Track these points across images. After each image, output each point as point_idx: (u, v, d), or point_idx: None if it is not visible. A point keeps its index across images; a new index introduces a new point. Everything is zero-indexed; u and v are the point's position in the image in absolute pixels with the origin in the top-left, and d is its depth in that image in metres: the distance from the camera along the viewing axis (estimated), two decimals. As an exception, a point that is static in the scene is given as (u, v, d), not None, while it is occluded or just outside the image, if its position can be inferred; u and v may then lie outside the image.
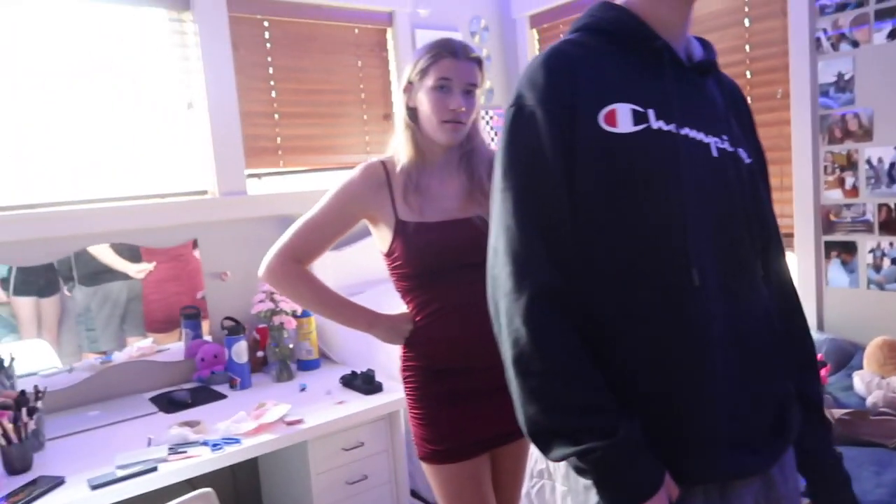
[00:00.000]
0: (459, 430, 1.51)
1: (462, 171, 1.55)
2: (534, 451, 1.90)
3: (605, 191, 0.90)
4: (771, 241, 1.05)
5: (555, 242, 0.91)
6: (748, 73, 2.56)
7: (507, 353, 0.92)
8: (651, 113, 0.91)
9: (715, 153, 0.95)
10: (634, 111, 0.91)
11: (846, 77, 2.31)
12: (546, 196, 0.91)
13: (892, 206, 2.25)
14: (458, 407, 1.51)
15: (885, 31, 2.20)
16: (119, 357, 2.37)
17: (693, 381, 0.89)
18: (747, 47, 2.55)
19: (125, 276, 2.37)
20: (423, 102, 1.49)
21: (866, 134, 2.29)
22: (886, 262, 2.28)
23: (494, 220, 0.96)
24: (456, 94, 1.47)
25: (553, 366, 0.88)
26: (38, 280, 2.21)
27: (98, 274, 2.32)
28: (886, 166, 2.25)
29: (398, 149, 1.55)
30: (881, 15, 2.21)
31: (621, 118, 0.90)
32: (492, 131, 3.40)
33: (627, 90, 0.92)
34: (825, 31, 2.34)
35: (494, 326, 0.95)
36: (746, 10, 2.54)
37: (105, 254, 2.33)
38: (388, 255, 1.53)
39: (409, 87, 1.53)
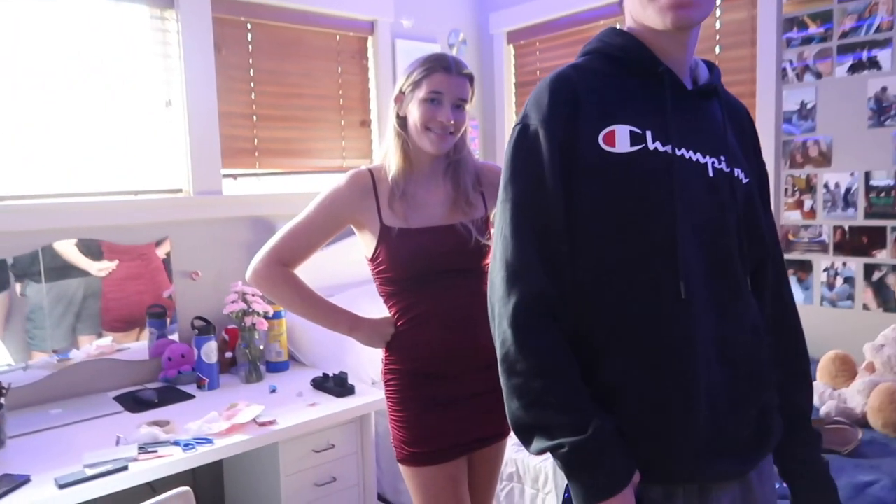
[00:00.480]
0: (439, 433, 1.54)
1: (448, 181, 1.59)
2: (505, 454, 1.93)
3: (600, 207, 0.96)
4: (768, 258, 1.09)
5: (548, 253, 0.96)
6: (716, 97, 2.66)
7: (497, 352, 0.98)
8: (649, 134, 0.97)
9: (711, 173, 1.00)
10: (632, 132, 0.96)
11: (809, 106, 2.43)
12: (542, 209, 0.96)
13: (847, 228, 2.37)
14: (438, 411, 1.54)
15: (847, 64, 2.33)
16: (77, 355, 2.31)
17: (679, 389, 0.94)
18: (716, 73, 2.65)
19: (85, 274, 2.32)
20: (413, 112, 1.54)
21: (825, 160, 2.41)
22: (839, 281, 2.40)
23: (495, 229, 1.02)
24: (446, 108, 1.52)
25: (534, 366, 0.94)
26: None
27: (56, 270, 2.26)
28: (843, 191, 2.37)
29: (388, 155, 1.59)
30: (843, 50, 2.33)
31: (619, 139, 0.95)
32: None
33: (627, 113, 0.98)
34: (791, 62, 2.46)
35: (491, 328, 1.00)
36: (718, 38, 2.65)
37: (69, 251, 2.28)
38: (373, 259, 1.57)
39: (401, 98, 1.57)
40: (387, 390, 1.60)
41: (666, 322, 0.94)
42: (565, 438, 0.90)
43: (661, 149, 0.96)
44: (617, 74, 1.01)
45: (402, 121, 1.58)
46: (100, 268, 2.35)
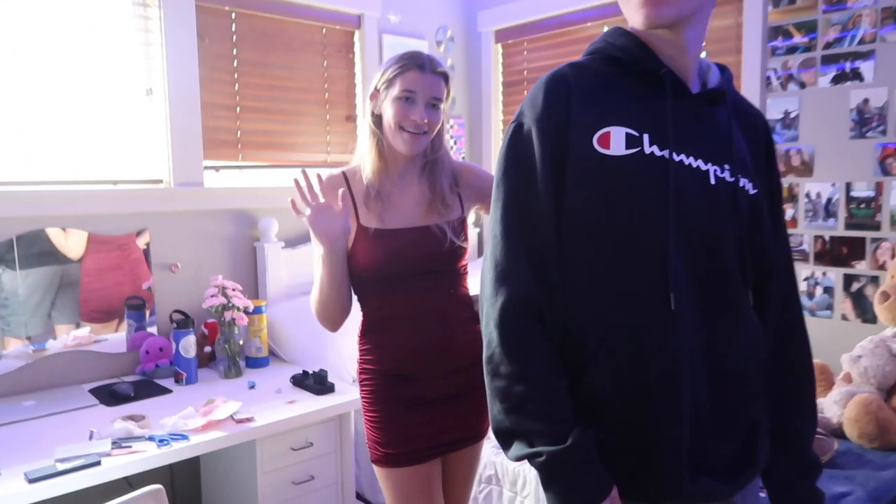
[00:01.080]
0: (412, 434, 1.54)
1: (424, 181, 1.58)
2: (484, 456, 1.93)
3: (591, 210, 0.93)
4: (774, 272, 1.04)
5: (537, 255, 0.95)
6: (702, 103, 2.68)
7: (483, 352, 0.97)
8: (646, 137, 0.93)
9: (712, 181, 0.95)
10: (628, 135, 0.93)
11: (792, 115, 2.45)
12: (531, 210, 0.95)
13: (827, 238, 2.40)
14: (410, 413, 1.54)
15: (830, 75, 2.35)
16: (54, 346, 2.27)
17: (663, 404, 0.91)
18: (702, 79, 2.67)
19: (64, 262, 2.28)
20: (387, 111, 1.53)
21: (807, 169, 2.43)
22: (819, 290, 2.43)
23: (488, 227, 1.01)
24: (419, 107, 1.50)
25: (516, 371, 0.93)
26: None
27: (34, 257, 2.22)
28: (824, 201, 2.40)
29: (363, 155, 1.58)
30: (827, 60, 2.36)
31: (615, 141, 0.93)
32: (451, 139, 3.44)
33: (625, 115, 0.95)
34: (775, 70, 2.47)
35: (481, 327, 0.99)
36: (703, 44, 2.66)
37: (48, 238, 2.24)
38: (350, 257, 1.55)
39: (376, 95, 1.56)
40: (361, 390, 1.60)
41: (651, 333, 0.92)
42: (544, 447, 0.90)
43: (657, 153, 0.93)
44: (618, 75, 0.98)
45: (378, 119, 1.56)
46: (79, 255, 2.30)
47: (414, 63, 1.51)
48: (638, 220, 0.92)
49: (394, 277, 1.52)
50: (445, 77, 1.56)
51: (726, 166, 0.97)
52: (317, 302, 1.56)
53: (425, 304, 1.53)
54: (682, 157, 0.95)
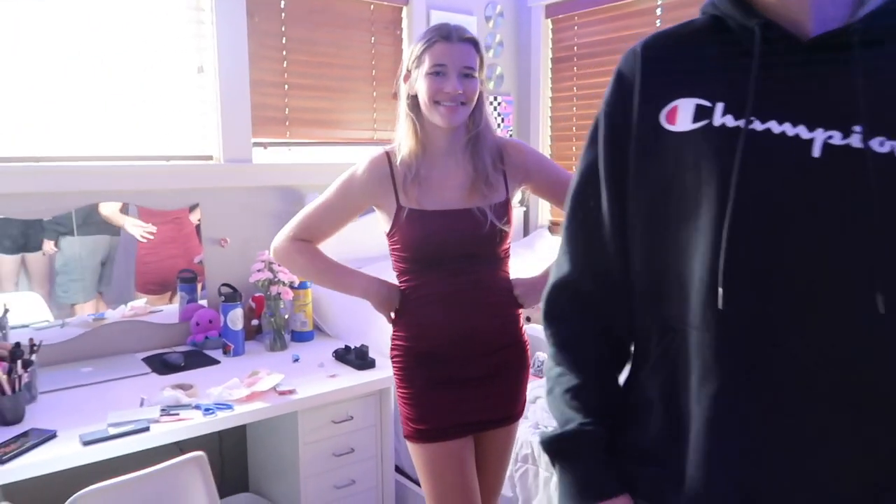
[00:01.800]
0: (442, 412, 1.55)
1: (467, 159, 1.55)
2: (520, 436, 1.93)
3: (648, 196, 0.84)
4: None
5: (593, 244, 0.91)
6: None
7: None
8: (719, 107, 0.78)
9: (817, 152, 0.73)
10: (699, 106, 0.80)
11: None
12: (590, 196, 0.91)
13: None
14: (441, 391, 1.55)
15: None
16: (112, 315, 2.37)
17: (697, 425, 0.80)
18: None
19: (118, 234, 2.37)
20: (421, 89, 1.50)
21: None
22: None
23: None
24: (452, 78, 1.47)
25: (553, 354, 0.93)
26: (20, 236, 2.19)
27: (93, 225, 2.31)
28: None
29: (400, 139, 1.57)
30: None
31: (681, 115, 0.81)
32: (499, 117, 3.40)
33: (700, 82, 0.81)
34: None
35: None
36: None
37: (108, 211, 2.33)
38: (390, 236, 1.58)
39: (409, 76, 1.55)
40: (394, 366, 1.63)
41: (695, 335, 0.80)
42: (551, 432, 0.89)
43: (730, 124, 0.77)
44: (708, 36, 0.84)
45: (414, 100, 1.54)
46: (139, 229, 2.40)
47: (439, 35, 1.48)
48: (695, 206, 0.79)
49: (431, 259, 1.53)
50: (475, 44, 1.53)
51: (855, 129, 0.72)
52: (298, 271, 1.77)
53: (461, 288, 1.53)
54: (772, 124, 0.76)
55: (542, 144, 3.46)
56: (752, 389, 0.76)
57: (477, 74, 1.52)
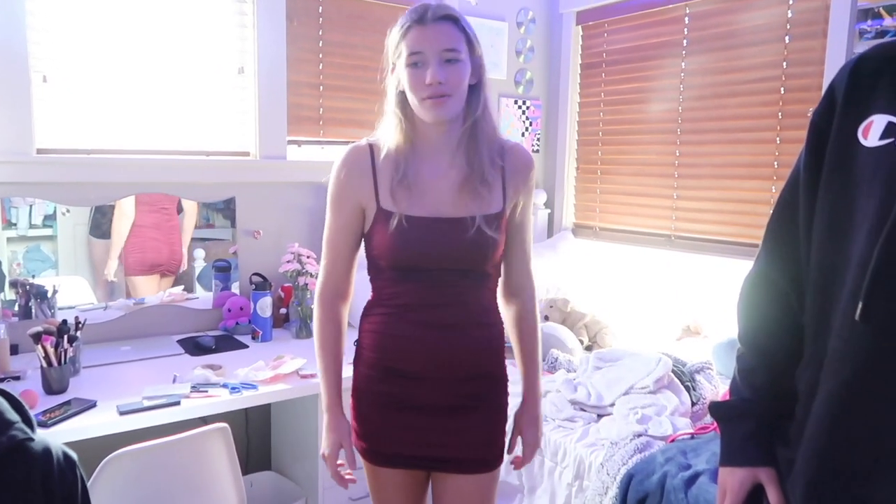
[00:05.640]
0: (392, 437, 1.38)
1: (462, 156, 1.35)
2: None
3: (830, 207, 0.88)
4: None
5: (788, 241, 0.99)
6: (782, 89, 2.59)
7: None
8: None
9: None
10: (890, 123, 0.82)
11: (878, 103, 2.32)
12: (789, 202, 1.00)
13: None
14: (395, 412, 1.38)
15: (922, 61, 2.21)
16: (151, 300, 2.53)
17: (813, 428, 0.88)
18: (784, 64, 2.58)
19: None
20: (404, 82, 1.32)
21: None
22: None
23: None
24: (431, 66, 1.26)
25: (743, 334, 1.06)
26: (104, 222, 2.41)
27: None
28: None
29: (383, 134, 1.39)
30: (919, 45, 2.22)
31: (874, 131, 0.84)
32: (527, 121, 3.48)
33: None
34: (862, 55, 2.35)
35: None
36: (788, 27, 2.57)
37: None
38: (366, 238, 1.41)
39: (394, 69, 1.36)
40: (354, 370, 1.47)
41: (835, 342, 0.85)
42: (723, 401, 1.05)
43: None
44: None
45: (403, 96, 1.35)
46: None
47: (412, 19, 1.28)
48: (860, 219, 0.83)
49: (411, 269, 1.34)
50: (455, 21, 1.29)
51: None
52: (316, 342, 1.53)
53: (442, 302, 1.34)
54: None
55: (569, 148, 3.52)
56: (871, 409, 0.82)
57: (464, 56, 1.30)
